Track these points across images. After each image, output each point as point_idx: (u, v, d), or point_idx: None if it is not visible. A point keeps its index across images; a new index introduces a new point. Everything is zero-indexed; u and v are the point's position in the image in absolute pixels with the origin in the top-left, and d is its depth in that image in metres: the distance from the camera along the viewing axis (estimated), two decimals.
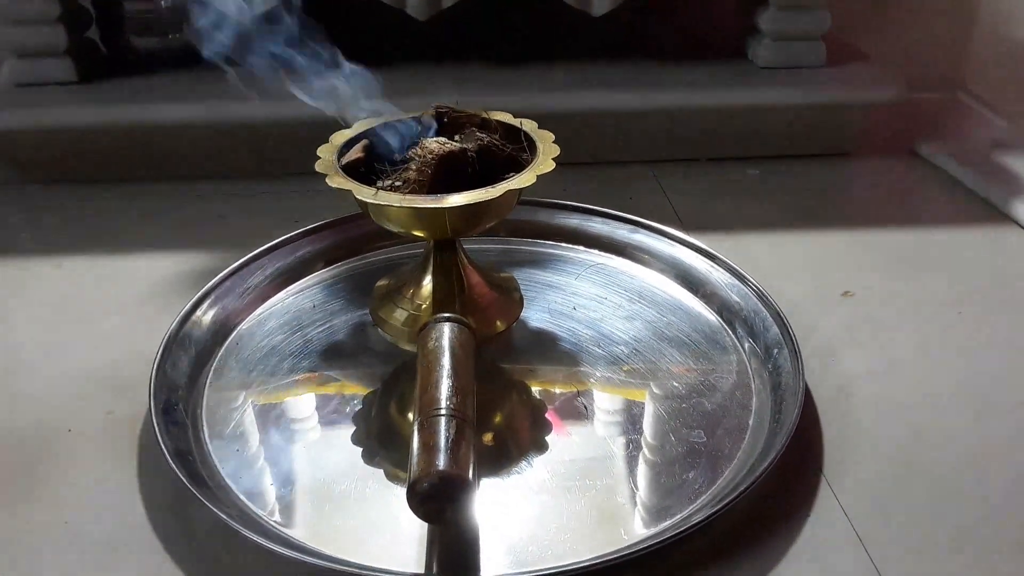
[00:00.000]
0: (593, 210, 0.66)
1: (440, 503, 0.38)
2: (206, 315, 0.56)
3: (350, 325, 0.58)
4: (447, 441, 0.39)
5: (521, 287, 0.57)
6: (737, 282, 0.58)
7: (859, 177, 0.80)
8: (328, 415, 0.51)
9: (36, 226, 0.71)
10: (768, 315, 0.55)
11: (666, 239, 0.63)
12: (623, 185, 0.77)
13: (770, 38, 0.79)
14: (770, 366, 0.52)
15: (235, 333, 0.56)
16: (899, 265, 0.66)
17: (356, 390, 0.53)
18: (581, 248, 0.65)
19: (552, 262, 0.64)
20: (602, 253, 0.64)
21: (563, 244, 0.65)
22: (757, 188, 0.77)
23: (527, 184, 0.48)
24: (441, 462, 0.38)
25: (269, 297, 0.60)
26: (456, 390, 0.42)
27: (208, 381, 0.52)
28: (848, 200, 0.76)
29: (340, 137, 0.53)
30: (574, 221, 0.66)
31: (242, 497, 0.45)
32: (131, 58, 0.81)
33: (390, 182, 0.50)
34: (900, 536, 0.43)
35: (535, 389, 0.53)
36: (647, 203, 0.74)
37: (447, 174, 0.49)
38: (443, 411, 0.41)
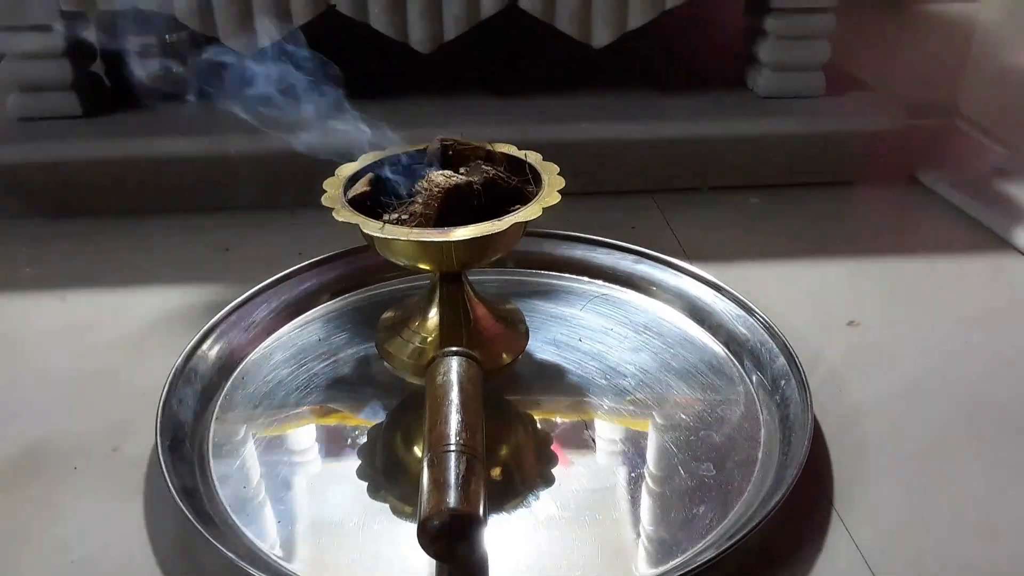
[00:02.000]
0: (597, 241, 0.66)
1: (451, 541, 0.38)
2: (212, 349, 0.55)
3: (356, 358, 0.58)
4: (457, 478, 0.39)
5: (527, 318, 0.56)
6: (743, 313, 0.58)
7: (861, 205, 0.80)
8: (334, 449, 0.51)
9: (40, 259, 0.71)
10: (775, 346, 0.55)
11: (671, 270, 0.63)
12: (626, 214, 0.77)
13: (770, 68, 0.80)
14: (778, 397, 0.52)
15: (241, 367, 0.56)
16: (903, 294, 0.66)
17: (362, 423, 0.52)
18: (586, 279, 0.65)
19: (557, 293, 0.64)
20: (607, 284, 0.64)
21: (568, 275, 0.65)
22: (759, 217, 0.77)
23: (533, 217, 0.48)
24: (452, 499, 0.38)
25: (275, 330, 0.60)
26: (465, 425, 0.42)
27: (214, 416, 0.52)
28: (850, 229, 0.76)
29: (346, 170, 0.53)
30: (578, 252, 0.66)
31: (249, 535, 0.44)
32: (135, 92, 0.82)
33: (396, 215, 0.50)
34: (914, 570, 0.43)
35: (541, 421, 0.53)
36: (650, 232, 0.74)
37: (453, 207, 0.50)
38: (453, 447, 0.41)
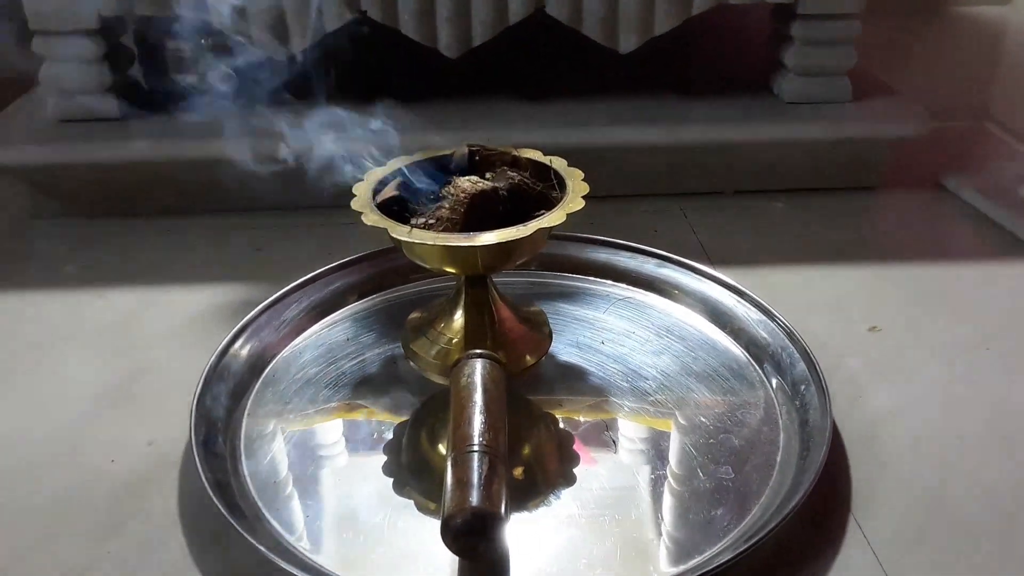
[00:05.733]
0: (621, 244, 0.67)
1: (473, 538, 0.39)
2: (243, 348, 0.57)
3: (383, 357, 0.59)
4: (480, 477, 0.40)
5: (550, 320, 0.57)
6: (764, 318, 0.59)
7: (885, 211, 0.80)
8: (361, 446, 0.52)
9: (80, 258, 0.73)
10: (795, 351, 0.55)
11: (693, 274, 0.64)
12: (650, 218, 0.78)
13: (795, 73, 0.80)
14: (797, 402, 0.53)
15: (271, 365, 0.58)
16: (926, 300, 0.66)
17: (388, 421, 0.54)
18: (609, 282, 0.66)
19: (580, 296, 0.65)
20: (630, 287, 0.65)
21: (591, 278, 0.66)
22: (783, 221, 0.78)
23: (557, 223, 0.49)
24: (474, 498, 0.39)
25: (304, 329, 0.61)
26: (488, 426, 0.43)
27: (245, 413, 0.54)
28: (874, 234, 0.77)
29: (375, 174, 0.54)
30: (602, 255, 0.67)
31: (278, 528, 0.46)
32: (172, 95, 0.84)
33: (424, 220, 0.51)
34: None
35: (563, 422, 0.54)
36: (674, 236, 0.75)
37: (479, 212, 0.51)
38: (476, 447, 0.42)
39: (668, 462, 0.50)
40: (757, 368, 0.57)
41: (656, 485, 0.49)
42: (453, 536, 0.39)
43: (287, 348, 0.59)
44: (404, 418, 0.54)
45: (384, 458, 0.51)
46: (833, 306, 0.65)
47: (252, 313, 0.59)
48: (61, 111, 0.78)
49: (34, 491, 0.49)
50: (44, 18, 0.74)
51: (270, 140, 0.74)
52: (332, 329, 0.62)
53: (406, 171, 0.54)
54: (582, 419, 0.54)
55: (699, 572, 0.41)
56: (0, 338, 0.63)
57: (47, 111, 0.78)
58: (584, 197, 0.51)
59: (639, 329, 0.61)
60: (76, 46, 0.75)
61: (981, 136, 0.92)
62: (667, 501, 0.48)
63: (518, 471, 0.50)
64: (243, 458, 0.50)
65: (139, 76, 0.83)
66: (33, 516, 0.48)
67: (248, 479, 0.49)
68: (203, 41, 0.80)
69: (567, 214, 0.50)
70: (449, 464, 0.42)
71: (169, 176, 0.78)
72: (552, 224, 0.49)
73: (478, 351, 0.49)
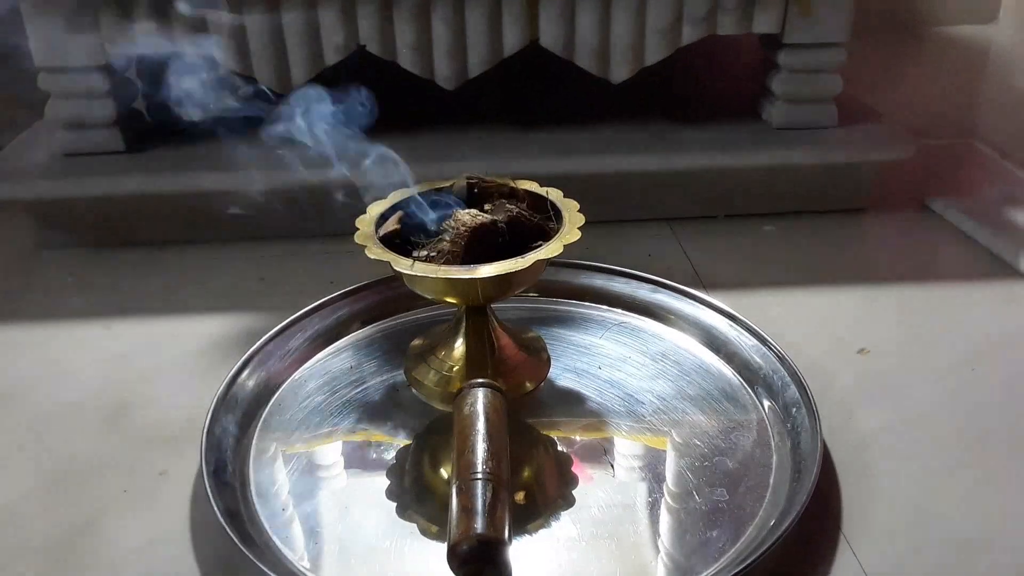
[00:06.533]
0: (616, 270, 0.68)
1: (478, 564, 0.41)
2: (250, 378, 0.58)
3: (385, 385, 0.60)
4: (484, 504, 0.42)
5: (548, 346, 0.59)
6: (756, 342, 0.60)
7: (872, 233, 0.82)
8: (365, 472, 0.54)
9: (86, 289, 0.74)
10: (786, 374, 0.57)
11: (687, 299, 0.65)
12: (643, 243, 0.80)
13: (783, 100, 0.82)
14: (789, 425, 0.55)
15: (277, 394, 0.59)
16: (913, 322, 0.68)
17: (391, 447, 0.55)
18: (605, 307, 0.67)
19: (577, 321, 0.66)
20: (626, 312, 0.67)
21: (588, 303, 0.68)
22: (772, 244, 0.80)
23: (554, 254, 0.51)
24: (479, 525, 0.41)
25: (309, 358, 0.62)
26: (491, 454, 0.45)
27: (253, 442, 0.55)
28: (862, 256, 0.78)
29: (377, 208, 0.56)
30: (598, 281, 0.69)
31: (288, 555, 0.47)
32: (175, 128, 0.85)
33: (425, 252, 0.53)
34: None
35: (561, 447, 0.55)
36: (667, 260, 0.76)
37: (479, 245, 0.52)
38: (480, 475, 0.43)
39: (665, 484, 0.52)
40: (750, 391, 0.59)
41: (653, 507, 0.50)
42: (459, 562, 0.41)
43: (292, 377, 0.61)
44: (407, 443, 0.56)
45: (388, 483, 0.52)
46: (822, 328, 0.67)
47: (259, 343, 0.60)
48: (67, 145, 0.80)
49: (47, 523, 0.51)
50: (50, 54, 0.76)
51: (270, 171, 0.77)
52: (336, 357, 0.63)
53: (407, 204, 0.56)
54: (580, 443, 0.55)
55: None
56: (7, 370, 0.64)
57: (53, 145, 0.80)
58: (579, 227, 0.53)
59: (635, 354, 0.63)
60: (81, 81, 0.77)
61: (966, 156, 0.94)
62: (664, 523, 0.49)
63: (519, 495, 0.51)
64: (252, 486, 0.52)
65: (143, 109, 0.85)
66: (45, 547, 0.49)
67: (257, 507, 0.50)
68: (205, 77, 0.82)
69: (564, 245, 0.51)
70: (454, 491, 0.43)
71: (173, 207, 0.79)
72: (549, 256, 0.51)
73: (479, 380, 0.51)
